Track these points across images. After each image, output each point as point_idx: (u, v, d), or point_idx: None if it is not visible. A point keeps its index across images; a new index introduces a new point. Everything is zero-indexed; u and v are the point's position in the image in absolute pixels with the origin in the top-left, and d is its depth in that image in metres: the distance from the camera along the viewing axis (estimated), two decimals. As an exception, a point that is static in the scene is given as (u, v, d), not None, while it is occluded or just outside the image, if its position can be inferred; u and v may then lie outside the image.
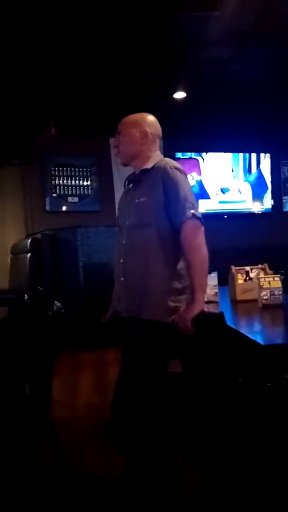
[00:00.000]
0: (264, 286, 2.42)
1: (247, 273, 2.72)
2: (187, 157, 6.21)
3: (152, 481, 1.76)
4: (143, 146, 1.87)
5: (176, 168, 1.79)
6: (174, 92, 4.67)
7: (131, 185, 1.95)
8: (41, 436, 1.97)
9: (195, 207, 1.75)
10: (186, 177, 1.82)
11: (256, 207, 6.48)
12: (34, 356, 2.02)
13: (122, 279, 1.86)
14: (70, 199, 5.85)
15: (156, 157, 1.88)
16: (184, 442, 2.12)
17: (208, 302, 2.48)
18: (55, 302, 2.12)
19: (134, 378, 1.79)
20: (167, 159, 1.87)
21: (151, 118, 1.93)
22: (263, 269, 2.77)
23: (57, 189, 5.83)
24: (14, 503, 1.92)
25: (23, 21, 3.20)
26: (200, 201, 6.16)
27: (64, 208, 5.83)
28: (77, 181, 5.91)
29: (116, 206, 2.19)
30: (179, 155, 6.08)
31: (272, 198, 6.57)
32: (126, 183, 1.99)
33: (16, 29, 3.27)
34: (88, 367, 4.15)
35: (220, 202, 6.34)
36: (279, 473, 1.77)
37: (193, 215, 1.71)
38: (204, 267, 1.73)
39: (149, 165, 1.85)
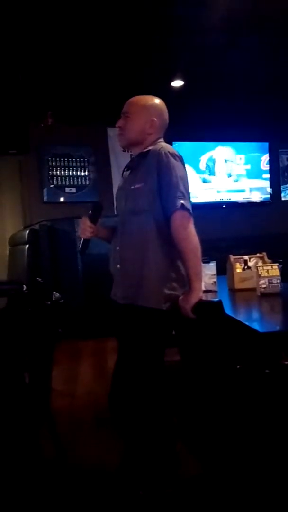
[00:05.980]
0: (262, 275, 2.43)
1: (245, 262, 2.72)
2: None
3: (150, 467, 1.78)
4: (149, 135, 1.85)
5: (171, 154, 1.76)
6: (172, 80, 4.63)
7: (128, 172, 1.93)
8: (41, 425, 1.99)
9: (186, 196, 1.72)
10: (182, 163, 1.79)
11: (255, 197, 6.47)
12: (33, 345, 2.03)
13: (118, 266, 1.84)
14: (67, 189, 5.83)
15: (156, 142, 1.85)
16: (184, 429, 2.14)
17: (206, 291, 2.49)
18: (54, 292, 2.12)
19: (131, 365, 1.79)
20: (164, 144, 1.83)
21: (161, 106, 1.88)
22: (262, 258, 2.77)
23: (55, 179, 5.80)
24: (14, 492, 1.94)
25: (20, 11, 3.15)
26: (199, 192, 6.15)
27: (61, 199, 5.81)
28: (74, 172, 5.88)
29: (114, 196, 2.16)
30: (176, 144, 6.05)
31: (271, 187, 6.56)
32: (125, 170, 1.97)
33: (12, 19, 3.23)
34: (88, 356, 4.18)
35: (218, 192, 6.32)
36: (278, 459, 1.79)
37: (182, 205, 1.70)
38: (197, 256, 1.72)
39: (146, 149, 1.83)
